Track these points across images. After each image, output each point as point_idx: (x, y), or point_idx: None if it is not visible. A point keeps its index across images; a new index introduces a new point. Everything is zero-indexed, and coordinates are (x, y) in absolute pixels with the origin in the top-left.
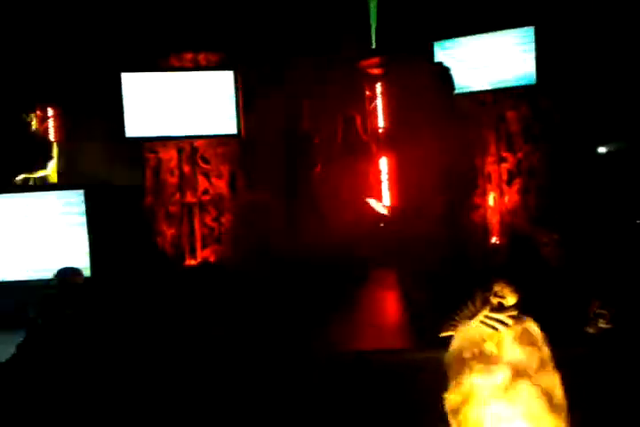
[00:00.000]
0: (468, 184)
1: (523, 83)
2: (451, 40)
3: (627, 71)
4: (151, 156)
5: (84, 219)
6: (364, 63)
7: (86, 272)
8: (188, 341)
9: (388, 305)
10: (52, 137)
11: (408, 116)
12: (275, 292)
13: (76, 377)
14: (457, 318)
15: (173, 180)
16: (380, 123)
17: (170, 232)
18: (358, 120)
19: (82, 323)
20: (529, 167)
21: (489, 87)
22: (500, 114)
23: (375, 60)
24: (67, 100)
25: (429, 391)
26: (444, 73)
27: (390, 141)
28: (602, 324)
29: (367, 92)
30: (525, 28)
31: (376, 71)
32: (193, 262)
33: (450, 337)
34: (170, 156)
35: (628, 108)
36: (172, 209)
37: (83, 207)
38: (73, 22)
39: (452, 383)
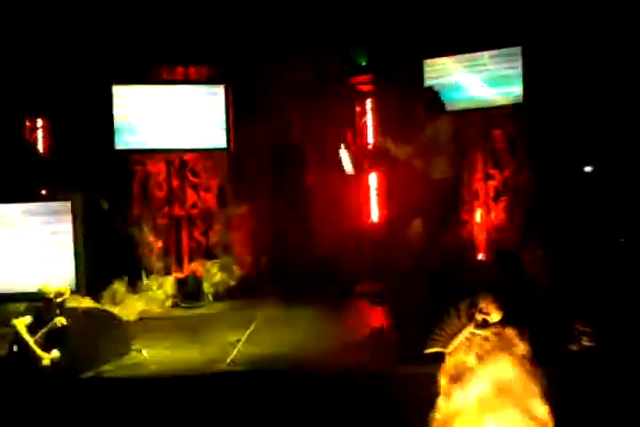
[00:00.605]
0: (453, 201)
1: (510, 101)
2: (439, 58)
3: (612, 90)
4: (139, 168)
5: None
6: (355, 80)
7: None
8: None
9: (373, 321)
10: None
11: (397, 133)
12: (260, 305)
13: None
14: (442, 334)
15: (161, 193)
16: (370, 138)
17: (157, 245)
18: (349, 136)
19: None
20: (515, 185)
21: (476, 106)
22: (488, 132)
23: (365, 76)
24: (57, 111)
25: (415, 408)
26: (434, 96)
27: (379, 157)
28: (585, 341)
29: (357, 108)
30: (513, 47)
31: (366, 88)
32: (180, 276)
33: (435, 353)
34: (158, 169)
35: (613, 127)
36: (160, 222)
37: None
38: (64, 34)
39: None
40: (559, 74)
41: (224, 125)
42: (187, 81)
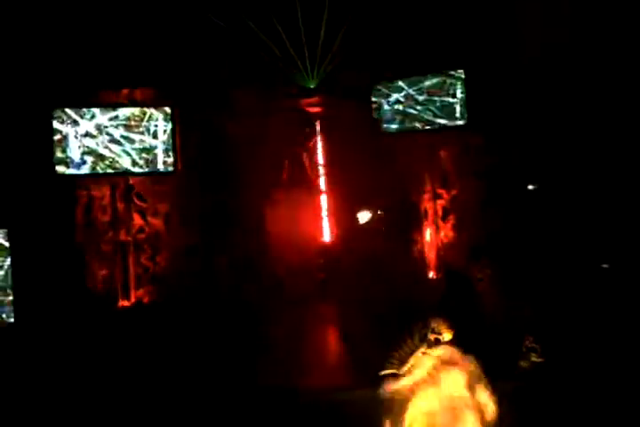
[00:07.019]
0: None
1: (454, 122)
2: (387, 82)
3: (554, 109)
4: (82, 193)
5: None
6: (304, 102)
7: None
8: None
9: (326, 342)
10: None
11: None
12: (212, 328)
13: None
14: (396, 355)
15: (105, 217)
16: (320, 159)
17: (101, 272)
18: (305, 156)
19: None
20: (463, 204)
21: (423, 127)
22: (435, 152)
23: (314, 99)
24: None
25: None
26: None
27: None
28: (534, 357)
29: (306, 130)
30: (456, 70)
31: (315, 110)
32: (126, 304)
33: (390, 374)
34: (102, 193)
35: (556, 146)
36: (105, 248)
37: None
38: (5, 56)
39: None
40: (501, 94)
41: (170, 148)
42: (131, 103)
